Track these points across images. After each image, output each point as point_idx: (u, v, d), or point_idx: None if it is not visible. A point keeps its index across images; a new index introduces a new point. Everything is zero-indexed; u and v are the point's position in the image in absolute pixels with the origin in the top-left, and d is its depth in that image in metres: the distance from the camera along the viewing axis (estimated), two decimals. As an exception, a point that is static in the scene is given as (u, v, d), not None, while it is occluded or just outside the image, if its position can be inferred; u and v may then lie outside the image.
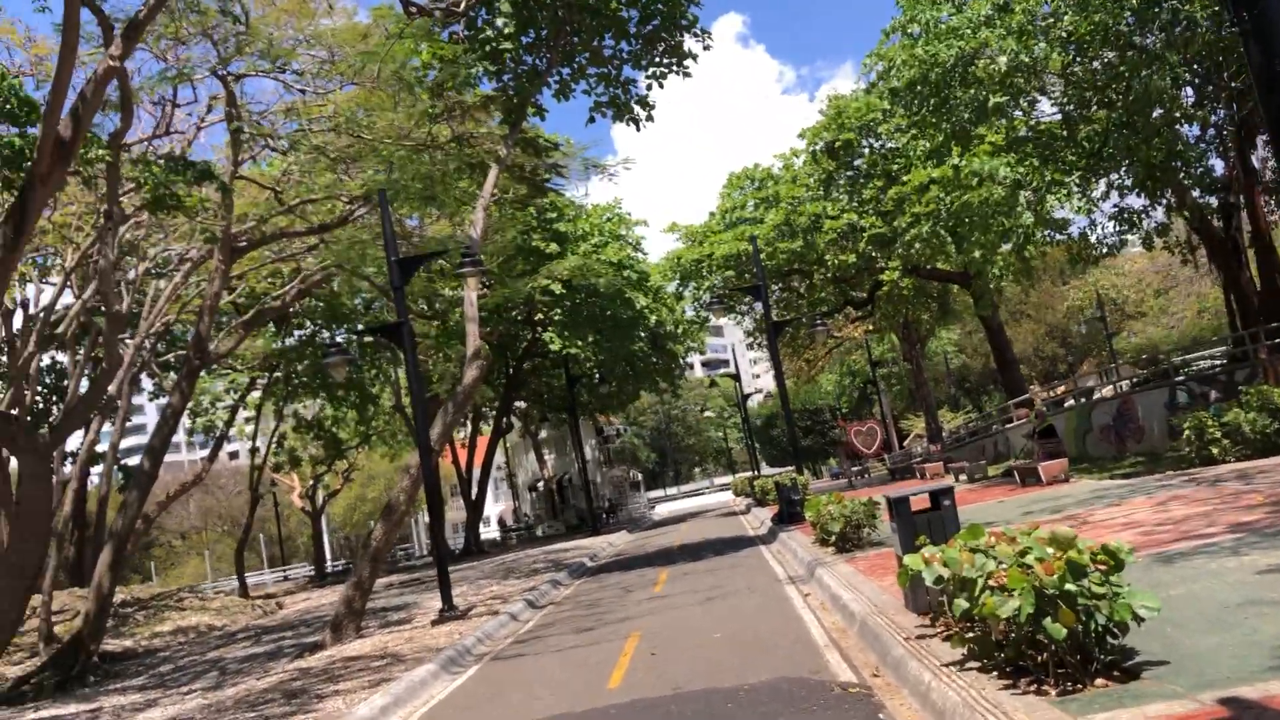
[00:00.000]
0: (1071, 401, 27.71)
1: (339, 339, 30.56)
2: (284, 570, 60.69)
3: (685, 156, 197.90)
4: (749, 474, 67.46)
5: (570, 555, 27.08)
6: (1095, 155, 19.82)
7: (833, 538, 15.07)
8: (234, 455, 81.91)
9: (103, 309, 19.00)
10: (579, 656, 10.39)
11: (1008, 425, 30.73)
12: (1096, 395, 25.94)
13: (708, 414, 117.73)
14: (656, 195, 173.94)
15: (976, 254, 23.14)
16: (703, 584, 15.44)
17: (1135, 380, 24.87)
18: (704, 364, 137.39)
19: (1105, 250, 24.85)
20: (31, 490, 16.83)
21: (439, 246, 20.22)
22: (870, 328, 44.86)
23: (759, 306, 45.61)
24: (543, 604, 17.14)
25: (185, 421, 41.75)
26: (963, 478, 26.60)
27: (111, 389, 28.49)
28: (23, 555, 16.51)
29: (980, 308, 30.45)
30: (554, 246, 34.03)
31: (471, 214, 21.21)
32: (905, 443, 75.21)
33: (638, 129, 21.61)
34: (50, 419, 27.34)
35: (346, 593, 16.27)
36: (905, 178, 30.43)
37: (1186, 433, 18.30)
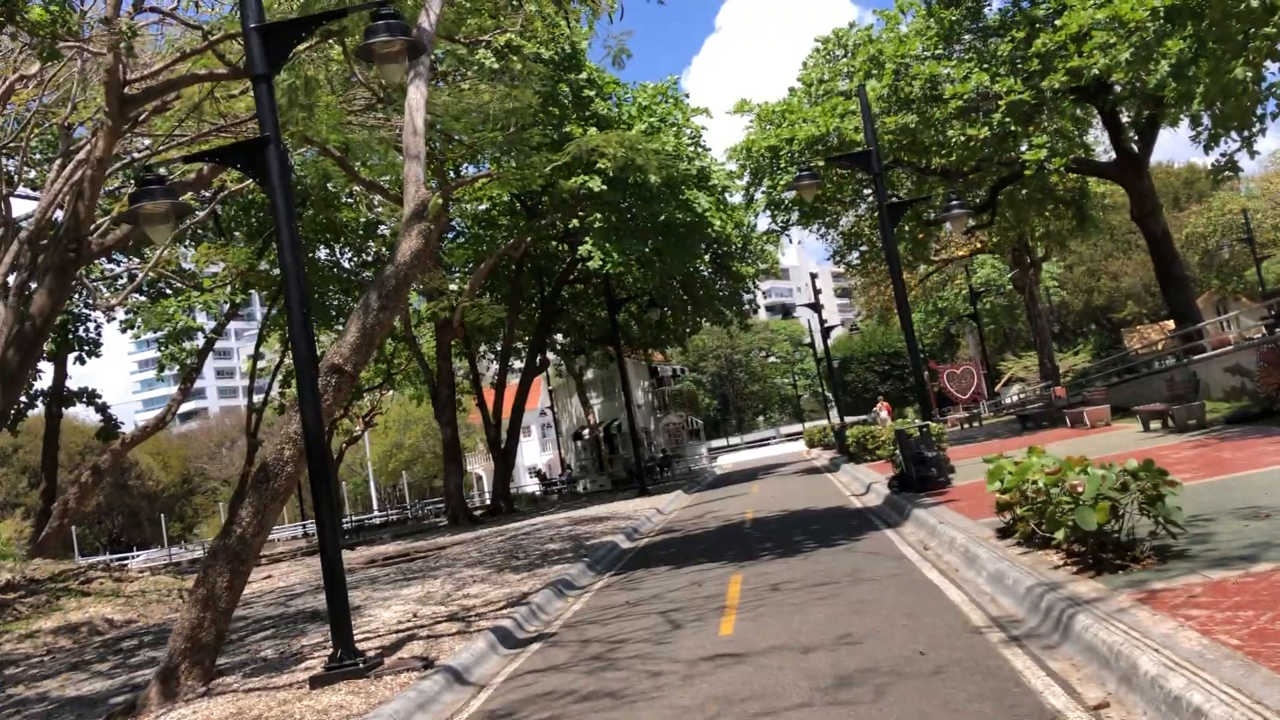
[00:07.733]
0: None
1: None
2: (303, 524, 54.50)
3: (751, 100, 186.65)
4: (824, 422, 60.05)
5: (603, 529, 20.07)
6: None
7: (1062, 537, 7.75)
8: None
9: None
10: None
11: (1196, 356, 22.88)
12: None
13: (772, 360, 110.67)
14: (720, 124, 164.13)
15: (1199, 88, 15.23)
16: (812, 620, 8.23)
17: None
18: (767, 308, 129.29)
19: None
20: None
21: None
22: (979, 245, 36.74)
23: (845, 220, 37.82)
24: (523, 635, 10.09)
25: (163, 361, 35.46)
26: (1155, 424, 18.83)
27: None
28: None
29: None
30: (592, 132, 26.62)
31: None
32: (999, 386, 66.99)
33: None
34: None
35: (190, 616, 9.35)
36: (1058, 22, 22.38)
37: None
